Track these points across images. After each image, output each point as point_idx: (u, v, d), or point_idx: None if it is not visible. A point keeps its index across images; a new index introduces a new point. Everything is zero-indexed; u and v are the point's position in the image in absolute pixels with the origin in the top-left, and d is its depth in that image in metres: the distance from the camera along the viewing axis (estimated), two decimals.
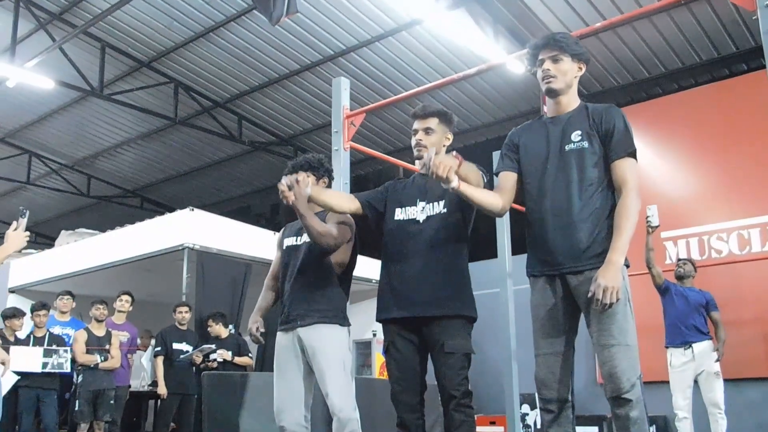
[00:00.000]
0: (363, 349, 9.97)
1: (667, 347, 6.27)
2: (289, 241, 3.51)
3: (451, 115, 3.27)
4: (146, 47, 10.75)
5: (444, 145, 3.23)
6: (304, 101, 11.48)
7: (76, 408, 6.66)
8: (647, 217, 6.09)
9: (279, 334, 3.42)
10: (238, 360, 7.09)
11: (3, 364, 4.44)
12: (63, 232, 11.30)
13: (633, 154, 2.67)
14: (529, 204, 2.80)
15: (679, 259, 6.78)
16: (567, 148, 2.71)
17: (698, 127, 8.36)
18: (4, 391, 5.91)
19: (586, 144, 2.69)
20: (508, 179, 2.86)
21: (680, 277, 6.46)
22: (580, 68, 2.82)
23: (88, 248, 9.36)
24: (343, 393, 3.22)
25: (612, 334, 2.55)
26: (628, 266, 2.65)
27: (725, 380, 6.71)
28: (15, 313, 6.77)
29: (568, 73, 2.78)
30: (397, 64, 9.97)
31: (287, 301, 3.39)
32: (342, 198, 3.36)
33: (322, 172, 3.50)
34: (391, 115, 11.26)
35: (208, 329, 7.24)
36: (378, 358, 9.78)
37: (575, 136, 2.72)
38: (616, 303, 2.50)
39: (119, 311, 7.44)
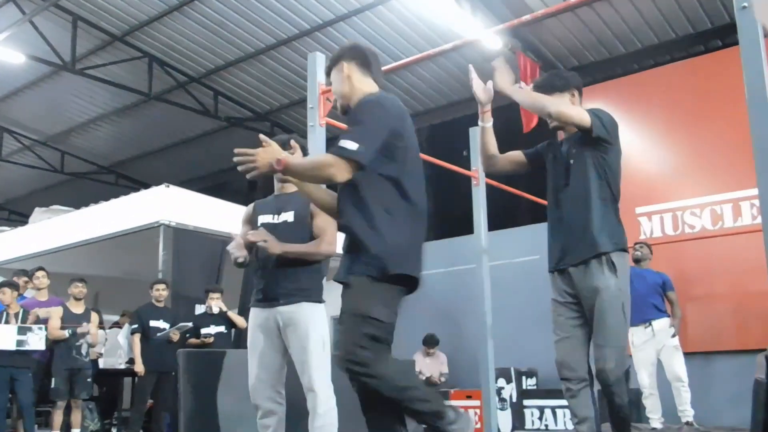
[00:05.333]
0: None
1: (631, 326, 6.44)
2: (265, 219, 3.49)
3: (340, 53, 2.86)
4: (119, 21, 10.55)
5: (349, 80, 2.77)
6: (280, 76, 11.37)
7: (52, 386, 6.64)
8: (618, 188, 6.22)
9: (254, 311, 3.41)
10: (236, 320, 7.12)
11: None
12: (37, 209, 11.14)
13: (592, 113, 3.11)
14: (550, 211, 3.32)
15: (636, 243, 6.91)
16: (571, 162, 3.19)
17: (672, 103, 8.41)
18: None
19: (577, 156, 3.17)
20: (516, 154, 3.40)
21: (637, 260, 6.66)
22: (573, 95, 3.26)
23: (63, 225, 9.26)
24: (321, 371, 3.28)
25: (604, 336, 3.06)
26: (624, 250, 3.19)
27: (696, 353, 6.88)
28: None
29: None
30: (374, 39, 9.88)
31: (266, 279, 3.38)
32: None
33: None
34: None
35: (210, 301, 7.19)
36: None
37: (574, 151, 3.18)
38: (610, 309, 3.07)
39: (39, 288, 7.32)
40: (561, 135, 3.37)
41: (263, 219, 3.50)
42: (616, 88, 8.92)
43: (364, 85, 2.77)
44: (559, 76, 3.36)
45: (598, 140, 3.10)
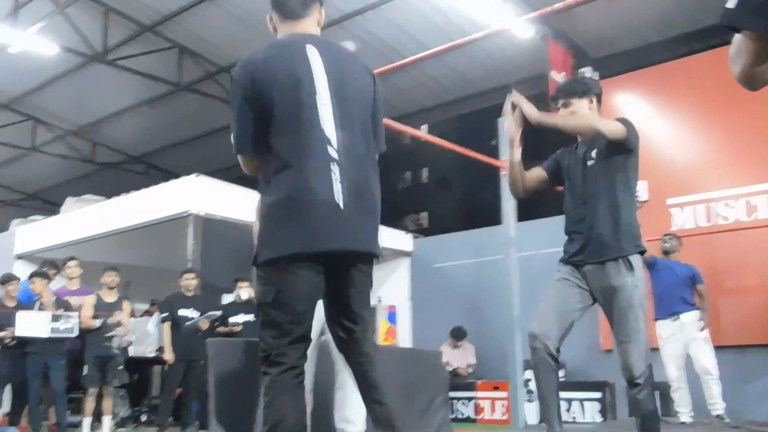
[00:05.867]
0: None
1: (656, 320, 6.35)
2: None
3: None
4: (149, 11, 10.63)
5: (276, 33, 2.52)
6: None
7: (85, 373, 6.74)
8: (636, 191, 6.18)
9: None
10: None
11: None
12: (69, 198, 11.29)
13: (622, 122, 3.21)
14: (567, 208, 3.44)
15: (665, 235, 6.81)
16: (588, 164, 3.33)
17: (707, 92, 8.23)
18: None
19: (599, 159, 3.30)
20: (537, 172, 3.48)
21: (666, 252, 6.58)
22: (592, 101, 3.35)
23: (94, 215, 9.38)
24: None
25: (626, 333, 3.17)
26: (643, 252, 3.26)
27: (728, 347, 6.75)
28: (9, 279, 6.89)
29: (579, 111, 3.32)
30: (403, 28, 9.85)
31: None
32: None
33: None
34: (395, 80, 11.15)
35: (239, 290, 7.26)
36: (382, 324, 9.85)
37: (593, 153, 3.31)
38: (629, 306, 3.14)
39: (71, 277, 7.42)
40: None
41: None
42: (648, 76, 8.76)
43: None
44: (581, 82, 3.54)
45: (625, 149, 3.25)
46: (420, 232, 14.85)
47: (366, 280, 2.38)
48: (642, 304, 3.20)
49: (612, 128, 3.20)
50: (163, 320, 7.17)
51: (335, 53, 2.40)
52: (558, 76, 8.63)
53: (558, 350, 3.20)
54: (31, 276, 6.91)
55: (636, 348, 3.14)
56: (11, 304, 6.77)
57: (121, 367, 6.89)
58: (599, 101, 3.40)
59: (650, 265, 6.43)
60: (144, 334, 8.52)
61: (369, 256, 2.36)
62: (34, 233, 10.17)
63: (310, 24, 2.46)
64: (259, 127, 2.28)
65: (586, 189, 3.30)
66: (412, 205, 16.43)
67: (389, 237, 9.81)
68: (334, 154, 2.25)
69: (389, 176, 13.75)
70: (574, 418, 7.51)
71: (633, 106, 8.81)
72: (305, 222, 2.21)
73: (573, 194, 3.38)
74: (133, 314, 8.26)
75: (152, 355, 8.28)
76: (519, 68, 10.52)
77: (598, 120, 3.27)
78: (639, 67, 9.17)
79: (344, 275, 2.32)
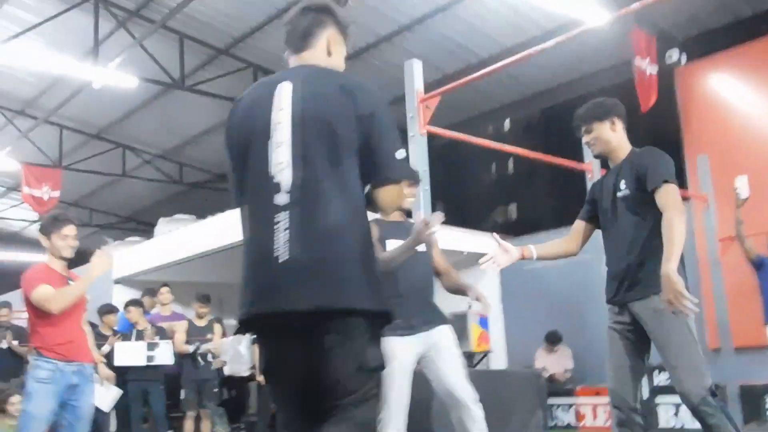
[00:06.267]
0: (458, 321, 9.83)
1: (766, 324, 5.92)
2: (394, 244, 3.53)
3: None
4: (223, 34, 10.80)
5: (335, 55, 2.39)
6: (383, 75, 11.27)
7: (182, 397, 6.88)
8: (735, 189, 5.81)
9: (397, 339, 3.44)
10: None
11: (107, 380, 4.72)
12: (161, 219, 11.62)
13: (669, 181, 3.00)
14: (604, 242, 3.30)
15: None
16: (618, 195, 3.18)
17: None
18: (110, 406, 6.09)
19: (628, 191, 3.14)
20: (577, 226, 3.44)
21: None
22: (613, 123, 3.26)
23: (186, 237, 9.59)
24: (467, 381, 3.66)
25: (675, 355, 2.95)
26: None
27: None
28: (108, 311, 7.09)
29: (601, 135, 3.27)
30: (475, 27, 9.61)
31: (408, 307, 3.44)
32: None
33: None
34: (473, 81, 10.89)
35: None
36: (474, 329, 9.64)
37: (622, 184, 3.17)
38: (672, 327, 2.91)
39: (164, 303, 7.58)
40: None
41: (392, 244, 3.53)
42: (743, 54, 8.24)
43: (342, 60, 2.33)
44: (600, 105, 3.40)
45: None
46: (509, 226, 14.46)
47: (337, 344, 1.89)
48: (688, 324, 2.94)
49: (681, 203, 3.02)
50: (254, 342, 7.21)
51: (312, 83, 2.14)
52: (642, 63, 8.19)
53: (638, 402, 3.09)
54: (127, 305, 7.11)
55: (688, 373, 2.90)
56: (108, 333, 6.97)
57: (215, 389, 7.01)
58: (622, 120, 3.28)
59: (758, 266, 6.03)
60: (238, 354, 8.63)
61: (335, 313, 1.88)
62: (130, 257, 10.49)
63: (315, 54, 2.28)
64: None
65: (617, 223, 3.16)
66: (499, 198, 16.05)
67: (474, 240, 9.58)
68: (283, 200, 1.96)
69: (474, 171, 13.48)
70: (682, 425, 7.10)
71: (728, 88, 8.29)
72: (247, 282, 2.00)
73: (605, 228, 3.27)
74: (224, 334, 8.37)
75: (247, 374, 8.37)
76: (600, 57, 10.06)
77: (677, 214, 2.92)
78: (731, 45, 8.61)
79: (311, 343, 1.90)
